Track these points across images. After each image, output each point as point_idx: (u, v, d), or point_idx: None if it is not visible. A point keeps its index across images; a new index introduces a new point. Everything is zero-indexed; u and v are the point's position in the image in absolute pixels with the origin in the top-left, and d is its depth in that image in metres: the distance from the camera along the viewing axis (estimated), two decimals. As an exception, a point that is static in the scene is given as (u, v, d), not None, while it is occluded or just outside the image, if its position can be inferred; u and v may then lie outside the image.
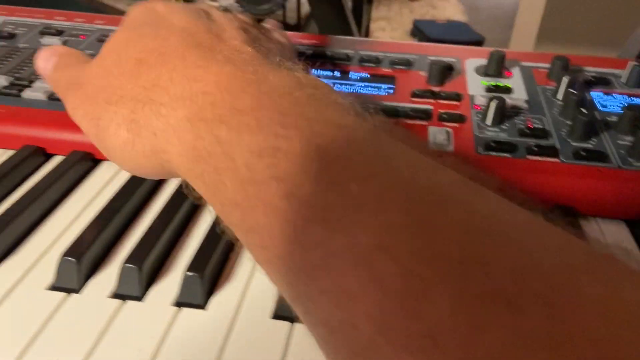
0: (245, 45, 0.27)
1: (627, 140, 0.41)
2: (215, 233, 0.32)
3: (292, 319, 0.28)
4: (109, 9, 1.80)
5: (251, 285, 0.31)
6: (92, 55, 0.30)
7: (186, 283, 0.29)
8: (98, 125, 0.26)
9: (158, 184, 0.39)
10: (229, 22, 0.30)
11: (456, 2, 3.27)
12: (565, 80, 0.45)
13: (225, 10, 0.32)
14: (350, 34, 0.66)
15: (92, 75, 0.28)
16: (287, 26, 1.86)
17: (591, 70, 0.50)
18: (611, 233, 0.37)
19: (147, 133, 0.24)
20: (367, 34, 2.74)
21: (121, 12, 1.78)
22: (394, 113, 0.44)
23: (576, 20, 1.14)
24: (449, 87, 0.48)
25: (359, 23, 2.28)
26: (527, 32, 1.40)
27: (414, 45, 0.55)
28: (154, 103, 0.23)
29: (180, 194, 0.36)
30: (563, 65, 0.48)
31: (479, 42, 2.49)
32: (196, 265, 0.29)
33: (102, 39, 0.52)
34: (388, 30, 2.92)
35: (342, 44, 0.54)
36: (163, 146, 0.23)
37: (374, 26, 2.86)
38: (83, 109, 0.27)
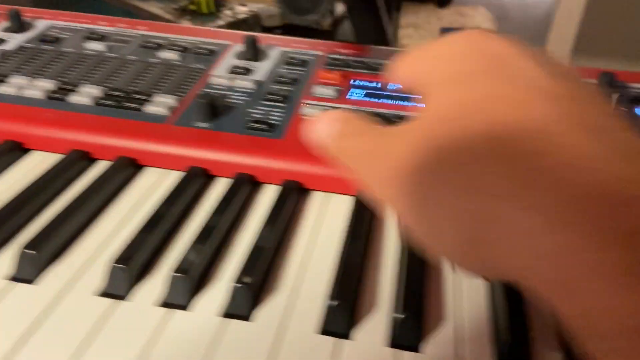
0: None
1: None
2: (259, 244, 0.33)
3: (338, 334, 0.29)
4: (140, 10, 1.83)
5: (297, 297, 0.31)
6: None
7: (235, 294, 0.29)
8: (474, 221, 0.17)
9: (201, 191, 0.39)
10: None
11: (485, 10, 3.24)
12: (614, 97, 0.44)
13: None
14: (386, 43, 0.66)
15: (412, 152, 0.19)
16: (319, 32, 1.86)
17: (637, 86, 0.49)
18: None
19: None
20: (395, 42, 2.73)
21: (153, 15, 1.81)
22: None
23: (614, 32, 1.11)
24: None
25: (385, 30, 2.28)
26: (563, 44, 1.38)
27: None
28: None
29: (225, 201, 0.36)
30: (609, 81, 0.47)
31: (507, 52, 2.46)
32: (245, 275, 0.30)
33: (145, 45, 0.53)
34: (415, 38, 2.90)
35: (379, 54, 0.54)
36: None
37: (401, 33, 2.85)
38: (402, 187, 0.19)
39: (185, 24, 1.76)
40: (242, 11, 1.95)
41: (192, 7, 1.84)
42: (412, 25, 3.00)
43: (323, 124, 0.24)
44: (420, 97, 0.21)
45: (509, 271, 0.17)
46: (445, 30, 2.76)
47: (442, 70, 0.21)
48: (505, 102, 0.18)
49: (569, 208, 0.16)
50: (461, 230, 0.17)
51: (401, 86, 0.24)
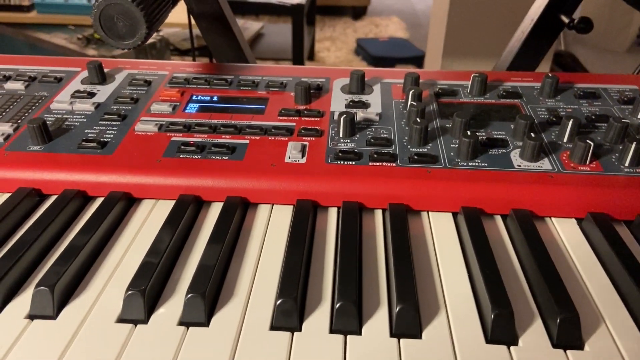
0: None
1: (456, 143, 0.46)
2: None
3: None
4: (43, 42, 1.81)
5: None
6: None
7: (279, 310, 0.33)
8: None
9: (196, 216, 0.43)
10: None
11: (398, 19, 3.40)
12: (410, 93, 0.51)
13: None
14: (245, 60, 0.71)
15: None
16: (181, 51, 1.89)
17: (443, 83, 0.57)
18: (564, 231, 0.41)
19: None
20: (311, 56, 2.82)
21: (57, 46, 1.79)
22: (259, 131, 0.48)
23: (475, 37, 1.23)
24: (315, 105, 0.53)
25: (300, 45, 2.35)
26: (437, 48, 1.49)
27: (288, 68, 0.60)
28: None
29: (221, 225, 0.39)
30: (413, 81, 0.54)
31: (419, 57, 2.60)
32: (285, 293, 0.33)
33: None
34: (333, 50, 3.00)
35: (225, 70, 0.59)
36: None
37: (319, 47, 2.94)
38: None
39: (91, 53, 1.76)
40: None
41: (97, 36, 1.83)
42: (329, 39, 3.10)
43: None
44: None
45: None
46: (361, 41, 2.87)
47: None
48: None
49: None
50: None
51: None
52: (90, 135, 0.47)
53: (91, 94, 0.53)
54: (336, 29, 3.25)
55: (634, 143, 0.42)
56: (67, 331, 0.32)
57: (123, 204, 0.43)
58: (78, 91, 0.53)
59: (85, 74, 0.57)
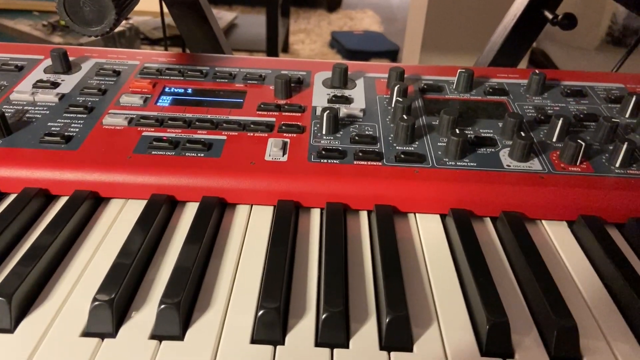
0: None
1: (444, 141, 0.45)
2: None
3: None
4: (7, 29, 1.72)
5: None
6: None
7: (260, 321, 0.30)
8: None
9: (169, 217, 0.40)
10: None
11: (373, 13, 3.38)
12: (395, 89, 0.49)
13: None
14: (221, 51, 0.68)
15: None
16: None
17: (428, 78, 0.55)
18: (556, 234, 0.40)
19: None
20: (286, 48, 2.78)
21: (22, 33, 1.71)
22: (237, 126, 0.45)
23: (454, 32, 1.22)
24: (295, 99, 0.51)
25: (274, 37, 2.31)
26: (415, 43, 1.48)
27: (268, 60, 0.57)
28: None
29: (197, 227, 0.36)
30: (398, 75, 0.52)
31: (394, 52, 2.59)
32: (267, 303, 0.30)
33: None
34: (307, 43, 2.97)
35: (200, 61, 0.56)
36: None
37: (293, 39, 2.90)
38: None
39: (57, 40, 1.69)
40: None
41: (63, 22, 1.76)
42: (303, 31, 3.07)
43: None
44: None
45: None
46: (335, 34, 2.84)
47: None
48: None
49: None
50: None
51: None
52: (53, 128, 0.44)
53: (55, 84, 0.49)
54: (311, 21, 3.22)
55: (625, 144, 0.41)
56: (26, 347, 0.29)
57: (89, 204, 0.40)
58: (41, 81, 0.49)
59: (48, 62, 0.53)
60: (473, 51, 0.98)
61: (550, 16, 0.64)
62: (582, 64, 2.65)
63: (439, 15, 1.34)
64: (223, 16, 2.63)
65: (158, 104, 0.48)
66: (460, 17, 1.25)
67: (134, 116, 0.46)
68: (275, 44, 2.32)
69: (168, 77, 0.53)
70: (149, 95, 0.49)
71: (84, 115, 0.46)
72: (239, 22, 2.74)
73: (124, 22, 1.92)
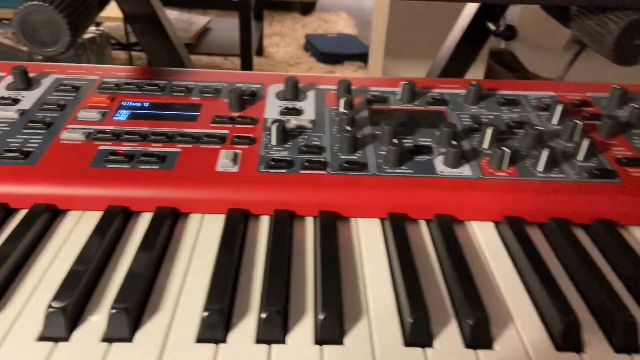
0: None
1: (385, 150, 0.48)
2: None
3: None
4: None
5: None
6: None
7: (205, 322, 0.33)
8: None
9: (124, 227, 0.42)
10: None
11: (347, 16, 3.42)
12: (341, 101, 0.52)
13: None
14: (182, 63, 0.70)
15: None
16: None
17: (374, 90, 0.58)
18: (483, 234, 0.43)
19: None
20: (260, 51, 2.80)
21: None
22: (191, 139, 0.48)
23: (416, 39, 1.26)
24: (249, 112, 0.53)
25: (248, 40, 2.33)
26: (379, 49, 1.53)
27: (223, 73, 0.60)
28: None
29: (150, 235, 0.39)
30: (345, 88, 0.55)
31: (367, 54, 2.63)
32: (211, 305, 0.33)
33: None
34: (282, 46, 2.99)
35: (158, 75, 0.58)
36: None
37: (268, 42, 2.92)
38: None
39: (26, 48, 1.68)
40: (90, 30, 1.89)
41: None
42: (277, 34, 3.09)
43: None
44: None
45: None
46: (310, 37, 2.87)
47: None
48: None
49: None
50: None
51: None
52: (12, 144, 0.46)
53: (15, 101, 0.51)
54: (285, 24, 3.24)
55: (547, 150, 0.45)
56: (-16, 352, 0.32)
57: (47, 216, 0.42)
58: (2, 97, 0.51)
59: (10, 78, 0.55)
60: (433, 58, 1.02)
61: (492, 27, 0.68)
62: (549, 64, 2.73)
63: (400, 24, 1.38)
64: (196, 20, 2.64)
65: (115, 118, 0.51)
66: (422, 25, 1.30)
67: (92, 131, 0.48)
68: (248, 48, 2.33)
69: (126, 92, 0.55)
70: (107, 110, 0.52)
71: (43, 131, 0.48)
72: (213, 26, 2.75)
73: (94, 28, 1.92)
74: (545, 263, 0.39)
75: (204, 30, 2.65)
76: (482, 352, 0.33)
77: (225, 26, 2.80)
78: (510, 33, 0.67)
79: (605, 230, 0.42)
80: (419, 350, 0.33)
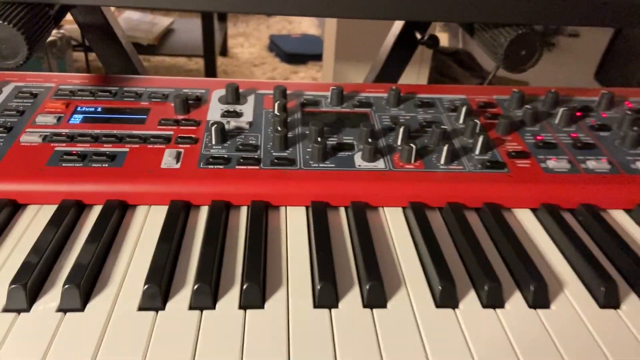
0: None
1: (311, 147, 0.55)
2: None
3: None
4: None
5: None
6: None
7: (145, 294, 0.39)
8: None
9: (77, 218, 0.48)
10: None
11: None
12: (276, 104, 0.59)
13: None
14: (135, 70, 0.76)
15: None
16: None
17: (308, 94, 0.65)
18: (392, 218, 0.51)
19: None
20: (224, 52, 2.83)
21: None
22: (139, 140, 0.54)
23: (364, 44, 1.34)
24: (193, 115, 0.60)
25: (211, 41, 2.37)
26: (330, 54, 1.61)
27: (171, 80, 0.66)
28: None
29: (100, 225, 0.45)
30: (280, 93, 0.62)
31: (328, 54, 2.70)
32: (151, 279, 0.40)
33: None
34: (247, 46, 3.04)
35: (110, 82, 0.64)
36: None
37: (232, 42, 2.97)
38: None
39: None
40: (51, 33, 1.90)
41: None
42: (242, 35, 3.13)
43: None
44: None
45: None
46: (274, 38, 2.93)
47: None
48: None
49: None
50: None
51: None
52: (-25, 147, 0.51)
53: (-24, 107, 0.56)
54: (249, 24, 3.29)
55: (446, 145, 0.53)
56: (-46, 324, 0.37)
57: (8, 210, 0.47)
58: (-38, 104, 0.56)
59: (-30, 86, 0.60)
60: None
61: (419, 37, 0.76)
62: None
63: (349, 30, 1.46)
64: (159, 21, 2.66)
65: (70, 122, 0.56)
66: (369, 30, 1.37)
67: (48, 134, 0.54)
68: (212, 49, 2.37)
69: (80, 98, 0.61)
70: (62, 115, 0.57)
71: (4, 135, 0.53)
72: (176, 27, 2.78)
73: (55, 32, 1.93)
74: (436, 240, 0.46)
75: (167, 32, 2.67)
76: (376, 311, 0.41)
77: (189, 27, 2.82)
78: (432, 42, 0.75)
79: (491, 213, 0.50)
80: (325, 311, 0.40)
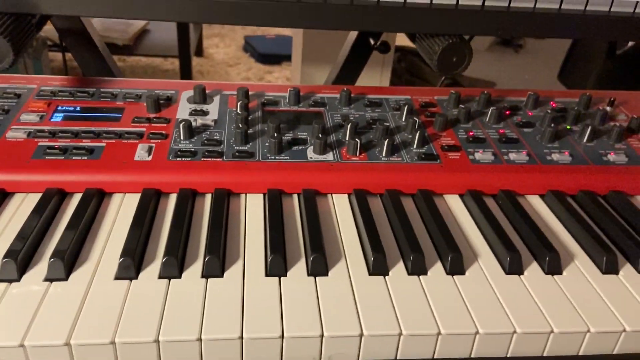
0: None
1: (268, 142, 0.62)
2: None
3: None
4: None
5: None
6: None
7: (120, 266, 0.46)
8: None
9: (60, 205, 0.54)
10: None
11: (285, 17, 3.54)
12: (238, 104, 0.66)
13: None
14: (111, 73, 0.82)
15: None
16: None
17: (269, 94, 0.73)
18: (338, 203, 0.58)
19: None
20: (200, 52, 2.88)
21: None
22: (114, 135, 0.61)
23: (330, 47, 1.41)
24: (164, 113, 0.66)
25: (186, 42, 2.42)
26: (297, 56, 1.68)
27: (144, 81, 0.72)
28: None
29: (80, 209, 0.52)
30: (244, 94, 0.69)
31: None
32: (125, 253, 0.48)
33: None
34: (222, 47, 3.09)
35: (88, 84, 0.70)
36: None
37: (208, 43, 3.01)
38: None
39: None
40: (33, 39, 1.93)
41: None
42: (217, 35, 3.18)
43: None
44: None
45: None
46: (249, 38, 2.98)
47: None
48: None
49: None
50: None
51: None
52: (-35, 142, 0.57)
53: (-36, 106, 0.62)
54: (224, 25, 3.33)
55: (386, 140, 0.61)
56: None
57: (-2, 198, 0.54)
58: (-48, 104, 0.62)
59: (-43, 87, 0.65)
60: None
61: (372, 42, 0.84)
62: (475, 64, 2.98)
63: (315, 34, 1.54)
64: (135, 22, 2.70)
65: (52, 120, 0.63)
66: (333, 35, 1.44)
67: (32, 130, 0.60)
68: (187, 49, 2.42)
69: (61, 98, 0.67)
70: (45, 113, 0.63)
71: (-9, 131, 0.59)
72: (152, 27, 2.81)
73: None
74: (374, 220, 0.54)
75: (143, 32, 2.70)
76: (319, 279, 0.48)
77: (164, 28, 2.86)
78: (384, 48, 0.83)
79: (423, 198, 0.58)
80: (275, 279, 0.48)
